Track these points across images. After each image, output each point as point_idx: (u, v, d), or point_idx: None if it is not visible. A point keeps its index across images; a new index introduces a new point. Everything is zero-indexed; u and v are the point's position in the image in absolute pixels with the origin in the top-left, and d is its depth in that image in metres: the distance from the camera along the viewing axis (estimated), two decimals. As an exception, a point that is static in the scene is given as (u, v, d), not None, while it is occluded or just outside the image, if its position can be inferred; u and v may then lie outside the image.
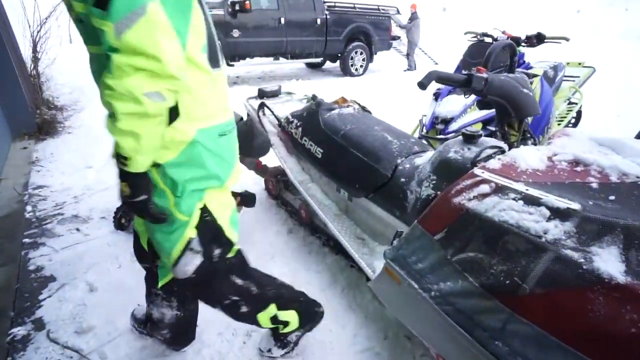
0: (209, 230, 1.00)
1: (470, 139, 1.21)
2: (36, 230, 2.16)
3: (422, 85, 0.99)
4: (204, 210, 0.97)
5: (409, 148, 1.55)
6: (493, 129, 2.55)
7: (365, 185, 1.54)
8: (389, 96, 5.86)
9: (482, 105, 2.53)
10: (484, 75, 0.99)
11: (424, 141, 2.35)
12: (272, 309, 1.22)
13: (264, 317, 1.21)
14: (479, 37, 3.09)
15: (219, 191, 0.99)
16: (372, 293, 1.54)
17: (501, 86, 1.01)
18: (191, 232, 0.96)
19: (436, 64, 10.48)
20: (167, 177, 0.90)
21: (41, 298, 1.67)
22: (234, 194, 2.17)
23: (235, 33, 6.30)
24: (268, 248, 2.02)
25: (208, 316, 1.53)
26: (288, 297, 1.29)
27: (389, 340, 1.47)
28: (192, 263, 0.99)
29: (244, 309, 1.16)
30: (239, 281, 1.13)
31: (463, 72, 1.05)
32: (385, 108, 4.79)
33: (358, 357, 1.40)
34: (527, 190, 0.84)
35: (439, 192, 1.18)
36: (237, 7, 6.11)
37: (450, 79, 1.02)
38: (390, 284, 1.08)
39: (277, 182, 2.41)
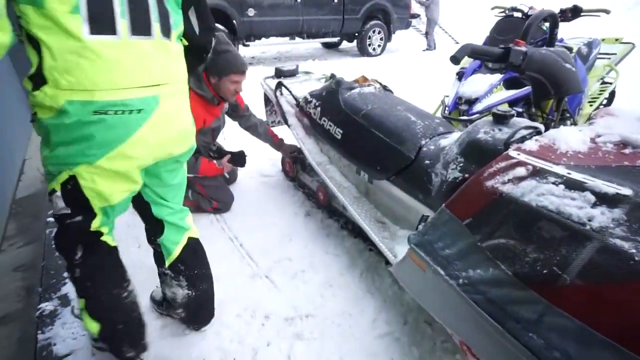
0: (72, 193, 0.96)
1: (501, 119, 1.14)
2: (59, 209, 2.21)
3: (455, 59, 0.92)
4: (72, 178, 0.94)
5: (433, 129, 1.49)
6: (520, 109, 2.44)
7: (386, 167, 1.49)
8: (408, 76, 5.69)
9: (509, 84, 2.44)
10: (523, 48, 0.91)
11: None
12: (81, 303, 1.13)
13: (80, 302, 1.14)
14: (507, 12, 2.92)
15: (90, 167, 0.93)
16: (392, 277, 1.52)
17: (542, 60, 0.93)
18: (56, 185, 0.96)
19: (457, 42, 10.10)
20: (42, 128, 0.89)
21: (65, 275, 1.71)
22: (224, 153, 2.17)
23: (251, 12, 6.17)
24: (286, 230, 2.01)
25: (227, 297, 1.54)
26: (103, 309, 1.14)
27: (408, 326, 1.44)
28: (58, 206, 0.98)
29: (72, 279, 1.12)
30: (75, 254, 1.06)
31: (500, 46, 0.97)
32: (405, 88, 4.65)
33: (377, 342, 1.39)
34: (568, 174, 0.78)
35: (466, 175, 1.12)
36: (252, -15, 5.97)
37: (486, 52, 0.95)
38: (415, 269, 1.05)
39: (294, 164, 2.37)
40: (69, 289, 1.63)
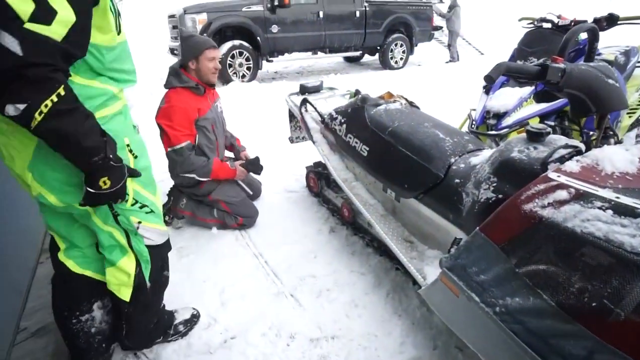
0: None
1: (536, 136, 1.09)
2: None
3: (490, 78, 0.89)
4: None
5: (463, 146, 1.45)
6: (552, 123, 2.35)
7: (415, 186, 1.46)
8: (432, 89, 5.62)
9: (539, 97, 2.35)
10: (561, 65, 0.87)
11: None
12: None
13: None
14: (536, 22, 2.85)
15: None
16: (420, 298, 1.47)
17: (582, 77, 0.89)
18: None
19: (482, 53, 9.95)
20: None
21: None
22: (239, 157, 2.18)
23: (274, 29, 6.31)
24: (310, 246, 1.99)
25: (252, 316, 1.53)
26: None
27: (438, 351, 1.38)
28: None
29: None
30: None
31: (530, 60, 0.93)
32: (430, 101, 4.59)
33: (405, 366, 1.34)
34: (617, 198, 0.73)
35: (500, 196, 1.08)
36: (276, 3, 6.11)
37: (522, 70, 0.92)
38: (447, 294, 1.00)
39: (319, 180, 2.37)
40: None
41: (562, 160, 0.96)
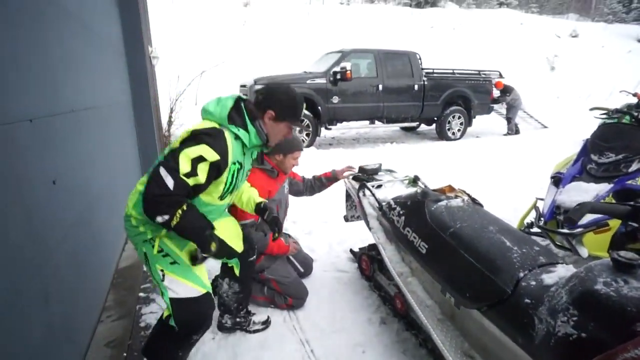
0: None
1: (625, 267, 0.98)
2: (149, 284, 2.38)
3: (571, 220, 0.85)
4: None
5: (533, 258, 1.35)
6: (637, 225, 2.12)
7: (478, 297, 1.36)
8: (490, 165, 5.47)
9: (620, 196, 2.17)
10: (657, 207, 0.81)
11: (551, 248, 2.03)
12: None
13: None
14: (610, 113, 2.73)
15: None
16: None
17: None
18: None
19: (544, 127, 9.61)
20: None
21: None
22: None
23: (335, 99, 6.71)
24: (359, 338, 1.90)
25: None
26: None
27: None
28: None
29: None
30: None
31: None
32: (487, 181, 4.45)
33: None
34: None
35: (583, 335, 0.96)
36: (338, 77, 6.56)
37: (610, 211, 0.86)
38: None
39: (372, 262, 2.31)
40: (147, 375, 1.68)
41: None
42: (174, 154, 1.27)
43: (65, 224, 1.67)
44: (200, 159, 1.28)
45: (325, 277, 2.44)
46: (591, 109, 2.92)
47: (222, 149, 1.33)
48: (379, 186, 2.22)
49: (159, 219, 1.23)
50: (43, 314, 1.40)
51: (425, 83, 7.47)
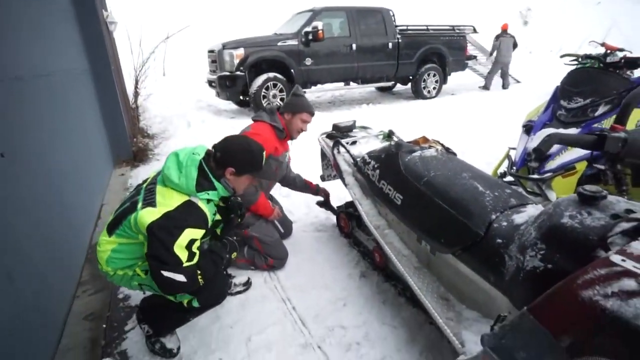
0: None
1: (589, 200, 1.00)
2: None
3: (540, 152, 0.84)
4: None
5: (504, 201, 1.36)
6: (602, 167, 2.19)
7: (452, 241, 1.38)
8: (465, 121, 5.51)
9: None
10: (621, 134, 0.80)
11: (521, 190, 2.07)
12: None
13: None
14: (580, 59, 2.73)
15: None
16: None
17: (645, 148, 0.81)
18: None
19: (518, 82, 9.70)
20: None
21: (127, 329, 1.76)
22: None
23: (308, 61, 6.49)
24: (340, 293, 1.93)
25: None
26: None
27: None
28: None
29: None
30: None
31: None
32: (462, 136, 4.50)
33: None
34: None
35: (549, 266, 0.99)
36: (310, 37, 6.31)
37: (576, 141, 0.85)
38: (490, 376, 0.91)
39: (350, 220, 2.32)
40: (128, 344, 1.67)
41: (625, 233, 0.87)
42: (168, 251, 1.29)
43: (23, 199, 1.57)
44: (191, 242, 1.33)
45: (304, 237, 2.45)
46: (562, 56, 2.91)
47: (202, 221, 1.38)
48: (354, 142, 2.19)
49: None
50: (8, 291, 1.35)
51: (400, 41, 7.30)
